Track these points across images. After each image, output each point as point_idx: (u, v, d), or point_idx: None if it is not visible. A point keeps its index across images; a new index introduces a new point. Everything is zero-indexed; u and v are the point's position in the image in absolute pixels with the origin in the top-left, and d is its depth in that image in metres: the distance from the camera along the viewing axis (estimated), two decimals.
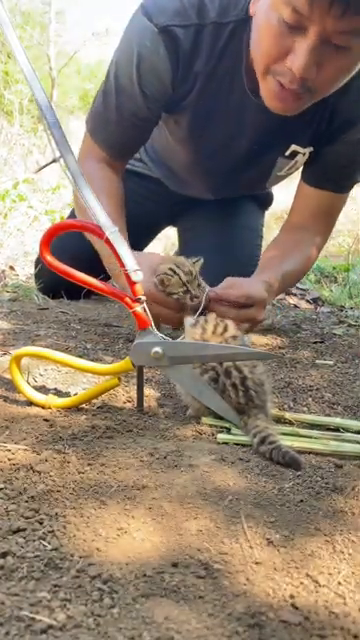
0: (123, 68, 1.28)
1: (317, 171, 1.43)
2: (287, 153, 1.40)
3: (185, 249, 1.83)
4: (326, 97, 1.21)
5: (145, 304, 0.86)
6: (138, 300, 0.87)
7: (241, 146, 1.39)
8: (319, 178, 1.42)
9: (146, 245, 2.00)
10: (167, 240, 3.09)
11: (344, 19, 0.97)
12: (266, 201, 1.89)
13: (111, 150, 1.40)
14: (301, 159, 1.41)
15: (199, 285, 1.17)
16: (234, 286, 1.25)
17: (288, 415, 0.92)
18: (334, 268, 2.61)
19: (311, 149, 1.38)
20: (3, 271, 2.20)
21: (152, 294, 1.13)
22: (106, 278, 1.33)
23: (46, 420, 0.85)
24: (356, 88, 1.27)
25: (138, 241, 1.86)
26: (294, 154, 1.40)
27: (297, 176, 1.50)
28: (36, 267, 1.87)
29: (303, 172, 1.47)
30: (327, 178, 1.42)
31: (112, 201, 1.33)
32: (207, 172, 1.55)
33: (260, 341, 1.41)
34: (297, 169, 1.47)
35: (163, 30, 1.20)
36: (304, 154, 1.39)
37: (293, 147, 1.38)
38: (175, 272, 1.15)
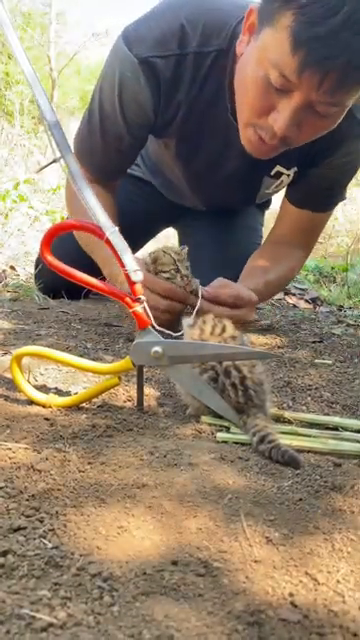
0: (106, 95, 1.29)
1: (299, 191, 1.45)
2: (272, 173, 1.42)
3: None
4: None
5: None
6: (138, 300, 0.87)
7: (227, 168, 1.41)
8: (301, 198, 1.45)
9: (144, 244, 2.00)
10: (166, 240, 3.09)
11: (331, 95, 0.99)
12: (265, 202, 1.89)
13: (98, 174, 1.40)
14: (286, 179, 1.43)
15: (187, 269, 1.24)
16: (225, 286, 1.26)
17: (287, 414, 0.93)
18: (333, 268, 2.61)
19: (295, 169, 1.40)
20: (4, 271, 2.20)
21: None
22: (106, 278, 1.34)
23: (47, 419, 0.85)
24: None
25: (136, 240, 1.86)
26: (279, 174, 1.41)
27: None
28: (36, 267, 1.87)
29: (286, 190, 1.49)
30: (309, 199, 1.44)
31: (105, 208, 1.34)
32: (197, 189, 1.58)
33: (259, 341, 1.41)
34: (284, 187, 1.49)
35: (143, 61, 1.20)
36: (288, 175, 1.41)
37: (277, 168, 1.40)
38: (166, 252, 1.25)
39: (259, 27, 1.05)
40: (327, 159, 1.35)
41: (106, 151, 1.35)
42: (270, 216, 2.00)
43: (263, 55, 1.02)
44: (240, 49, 1.14)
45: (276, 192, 1.55)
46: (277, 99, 1.05)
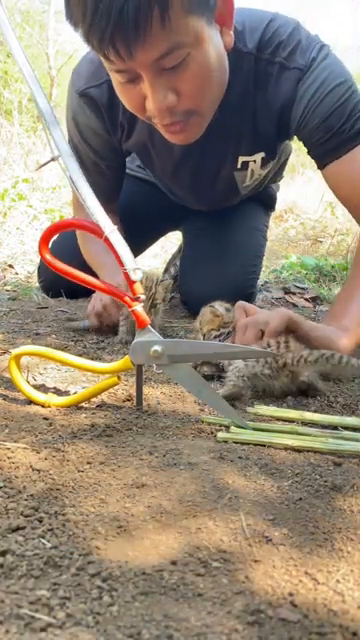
0: (71, 131, 1.41)
1: (317, 155, 1.28)
2: (239, 166, 1.40)
3: (188, 250, 1.84)
4: (243, 103, 1.22)
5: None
6: (137, 299, 0.87)
7: (186, 177, 1.43)
8: (324, 156, 1.26)
9: (147, 247, 2.01)
10: (165, 239, 3.09)
11: (145, 49, 0.95)
12: (270, 202, 1.88)
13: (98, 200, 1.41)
14: (255, 166, 1.40)
15: (156, 304, 1.31)
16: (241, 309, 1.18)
17: (287, 414, 0.93)
18: (333, 267, 2.60)
19: (262, 155, 1.37)
20: (3, 270, 2.20)
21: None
22: None
23: (45, 419, 0.85)
24: (273, 81, 1.20)
25: (141, 242, 1.87)
26: (245, 164, 1.39)
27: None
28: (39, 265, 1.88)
29: (316, 161, 1.32)
30: (328, 153, 1.25)
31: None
32: (178, 197, 1.61)
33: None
34: (260, 175, 1.46)
35: (82, 94, 1.32)
36: (255, 161, 1.39)
37: (241, 159, 1.38)
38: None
39: None
40: (299, 116, 1.21)
41: (93, 178, 1.37)
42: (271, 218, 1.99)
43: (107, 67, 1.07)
44: None
45: (256, 183, 1.49)
46: (138, 89, 1.05)
